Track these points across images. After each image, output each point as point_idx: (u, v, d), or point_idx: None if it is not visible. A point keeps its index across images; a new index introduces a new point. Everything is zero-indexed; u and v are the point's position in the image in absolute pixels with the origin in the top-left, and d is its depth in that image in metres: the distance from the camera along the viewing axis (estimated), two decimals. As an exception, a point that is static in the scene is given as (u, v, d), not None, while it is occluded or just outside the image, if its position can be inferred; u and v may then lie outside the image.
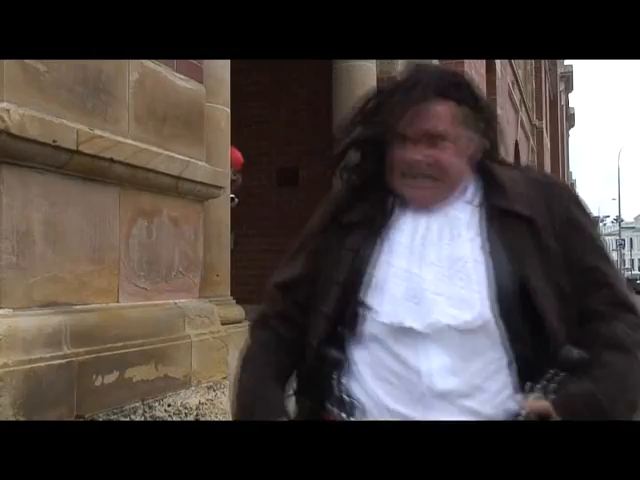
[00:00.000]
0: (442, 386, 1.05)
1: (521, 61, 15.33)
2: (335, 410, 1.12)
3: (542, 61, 19.79)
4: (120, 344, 2.31)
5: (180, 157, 2.70)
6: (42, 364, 1.97)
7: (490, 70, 9.93)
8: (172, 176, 2.64)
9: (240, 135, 4.38)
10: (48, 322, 2.05)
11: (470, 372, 1.06)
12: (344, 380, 1.13)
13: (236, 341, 3.29)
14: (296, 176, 6.56)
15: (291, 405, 1.20)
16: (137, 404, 2.38)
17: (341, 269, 1.15)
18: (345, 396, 1.12)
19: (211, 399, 2.85)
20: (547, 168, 20.31)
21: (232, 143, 3.78)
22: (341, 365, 1.13)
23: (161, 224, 2.67)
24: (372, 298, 1.12)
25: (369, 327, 1.12)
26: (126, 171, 2.39)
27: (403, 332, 1.08)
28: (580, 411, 1.03)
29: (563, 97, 29.74)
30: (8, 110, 1.87)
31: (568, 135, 36.20)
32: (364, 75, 5.20)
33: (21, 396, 1.88)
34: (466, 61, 6.57)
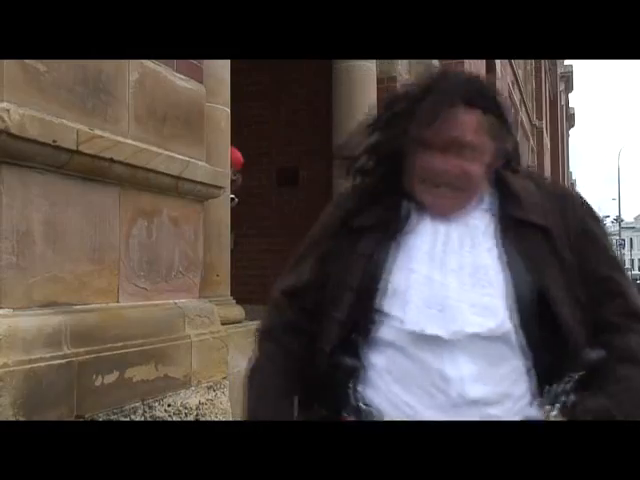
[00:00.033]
0: (474, 393, 1.04)
1: (521, 61, 15.33)
2: (352, 418, 1.10)
3: (542, 61, 19.79)
4: (120, 344, 2.31)
5: (180, 157, 2.70)
6: (42, 364, 1.97)
7: (490, 70, 9.92)
8: (172, 176, 2.64)
9: (240, 135, 4.38)
10: (48, 322, 2.05)
11: (495, 379, 1.06)
12: (360, 387, 1.11)
13: (236, 341, 3.29)
14: (296, 176, 6.55)
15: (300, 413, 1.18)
16: (137, 404, 2.38)
17: (354, 274, 1.13)
18: (362, 404, 1.10)
19: (211, 399, 2.85)
20: (547, 168, 20.31)
21: (232, 143, 3.78)
22: (356, 372, 1.11)
23: (161, 224, 2.67)
24: (391, 304, 1.10)
25: (387, 333, 1.10)
26: (126, 171, 2.39)
27: (425, 339, 1.07)
28: None
29: (563, 97, 29.72)
30: (8, 110, 1.87)
31: (568, 135, 36.18)
32: (364, 75, 5.19)
33: (21, 396, 1.88)
34: (466, 61, 6.55)
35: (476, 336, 1.05)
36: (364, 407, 1.10)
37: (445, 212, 1.14)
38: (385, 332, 1.10)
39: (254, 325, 3.87)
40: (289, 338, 1.20)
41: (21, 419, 1.87)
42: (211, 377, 2.87)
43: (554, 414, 1.05)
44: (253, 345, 1.26)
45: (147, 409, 2.43)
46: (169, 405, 2.56)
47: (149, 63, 2.57)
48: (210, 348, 2.88)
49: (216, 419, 2.84)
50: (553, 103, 24.79)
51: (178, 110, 2.76)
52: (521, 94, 15.25)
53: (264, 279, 5.89)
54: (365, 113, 1.21)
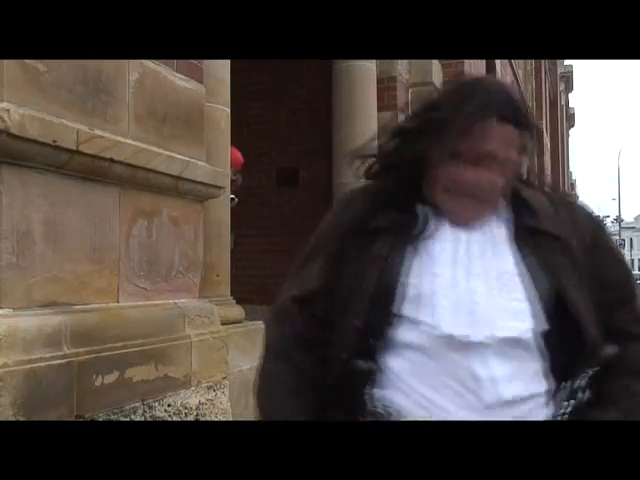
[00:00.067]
0: (508, 394, 1.05)
1: (521, 61, 15.32)
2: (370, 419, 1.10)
3: (542, 61, 19.79)
4: (120, 344, 2.31)
5: (180, 157, 2.70)
6: (42, 364, 1.97)
7: (490, 70, 9.92)
8: (172, 176, 2.64)
9: (240, 135, 4.38)
10: (48, 322, 2.05)
11: (524, 380, 1.08)
12: (377, 391, 1.11)
13: (236, 341, 3.30)
14: (296, 176, 6.55)
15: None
16: (137, 404, 2.38)
17: (368, 278, 1.12)
18: (380, 408, 1.10)
19: (211, 399, 2.85)
20: (547, 168, 20.30)
21: (232, 143, 3.78)
22: (372, 375, 1.11)
23: (161, 224, 2.67)
24: (415, 308, 1.10)
25: (410, 336, 1.10)
26: (126, 171, 2.39)
27: (454, 342, 1.07)
28: None
29: (563, 97, 29.73)
30: (8, 110, 1.87)
31: (568, 135, 36.18)
32: (364, 75, 5.20)
33: (21, 396, 1.88)
34: (466, 61, 6.55)
35: (506, 339, 1.07)
36: (382, 410, 1.10)
37: (467, 221, 1.15)
38: (407, 335, 1.10)
39: (254, 325, 3.89)
40: (301, 356, 1.18)
41: (21, 419, 1.88)
42: (211, 377, 2.87)
43: (570, 410, 1.08)
44: (257, 350, 1.24)
45: (147, 409, 2.43)
46: (169, 405, 2.56)
47: (149, 63, 2.58)
48: (210, 348, 2.88)
49: (216, 419, 2.84)
50: (553, 103, 24.80)
51: (178, 110, 2.76)
52: (521, 94, 15.23)
53: (264, 279, 5.90)
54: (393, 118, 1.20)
